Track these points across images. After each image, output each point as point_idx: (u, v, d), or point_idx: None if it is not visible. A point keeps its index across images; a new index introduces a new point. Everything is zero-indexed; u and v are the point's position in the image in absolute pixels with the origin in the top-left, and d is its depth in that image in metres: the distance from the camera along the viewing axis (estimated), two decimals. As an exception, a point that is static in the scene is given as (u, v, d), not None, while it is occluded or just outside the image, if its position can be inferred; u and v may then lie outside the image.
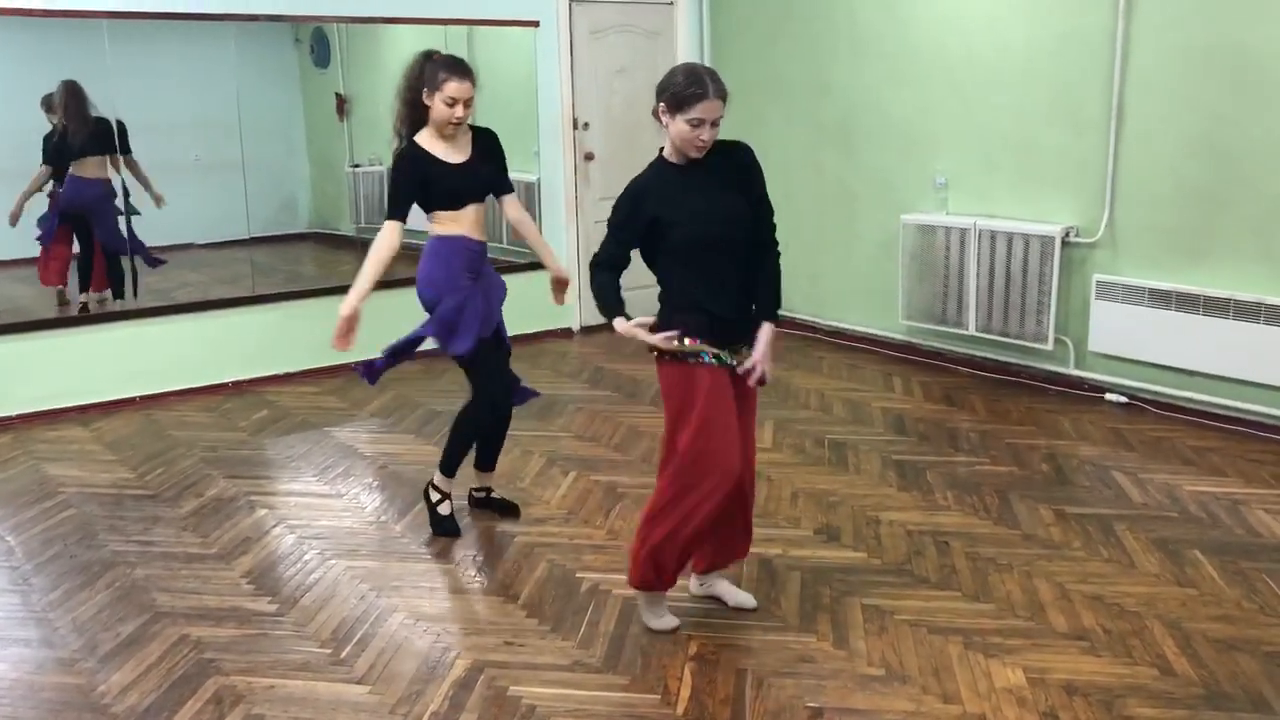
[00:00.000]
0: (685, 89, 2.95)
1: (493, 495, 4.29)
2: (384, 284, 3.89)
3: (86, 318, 5.75)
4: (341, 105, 6.69)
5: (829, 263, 6.90)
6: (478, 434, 4.08)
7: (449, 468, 4.06)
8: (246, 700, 2.96)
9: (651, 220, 3.05)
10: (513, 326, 7.08)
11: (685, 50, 7.43)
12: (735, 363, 3.11)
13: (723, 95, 2.97)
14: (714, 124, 2.98)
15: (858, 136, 6.58)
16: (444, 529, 4.08)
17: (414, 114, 3.83)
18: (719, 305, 3.07)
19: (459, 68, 3.76)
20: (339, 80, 6.61)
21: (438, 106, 3.75)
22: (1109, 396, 5.47)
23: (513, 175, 7.37)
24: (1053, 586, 3.52)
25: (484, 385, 3.96)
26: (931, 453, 4.83)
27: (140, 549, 3.96)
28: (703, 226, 3.03)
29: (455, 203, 3.83)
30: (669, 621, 3.31)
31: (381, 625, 3.37)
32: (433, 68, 3.77)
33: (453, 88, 3.73)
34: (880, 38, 6.34)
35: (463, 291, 3.84)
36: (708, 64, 7.49)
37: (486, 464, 4.23)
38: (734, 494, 3.11)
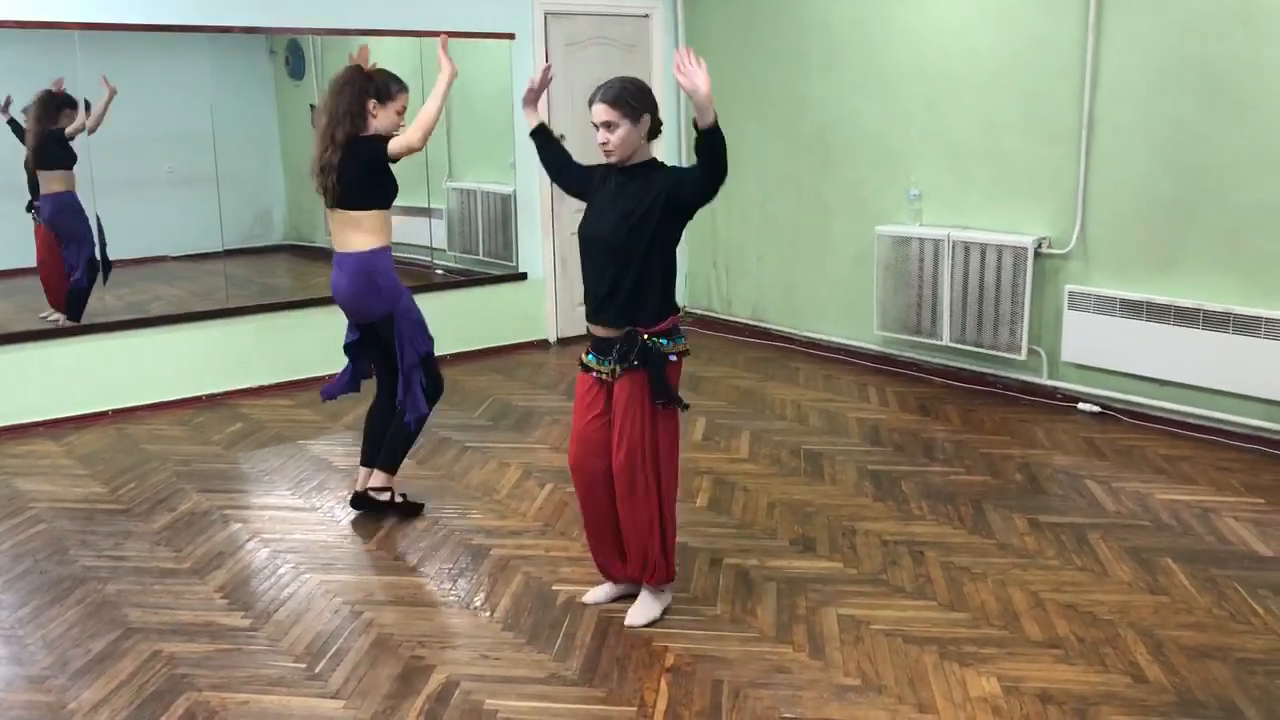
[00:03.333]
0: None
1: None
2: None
3: (57, 331, 5.69)
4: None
5: (805, 274, 6.94)
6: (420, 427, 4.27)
7: (396, 466, 4.30)
8: (220, 716, 2.93)
9: (583, 180, 3.47)
10: (489, 338, 7.17)
11: (661, 63, 7.46)
12: (605, 373, 3.31)
13: (610, 100, 3.18)
14: (606, 127, 3.20)
15: (833, 149, 6.62)
16: (414, 509, 4.29)
17: (355, 122, 3.95)
18: (594, 305, 3.31)
19: (403, 82, 4.06)
20: (314, 92, 6.59)
21: (390, 116, 4.02)
22: (1081, 406, 5.52)
23: (489, 187, 7.44)
24: (1027, 595, 3.55)
25: (436, 374, 4.24)
26: (907, 463, 4.86)
27: (112, 564, 3.92)
28: (593, 226, 3.31)
29: (392, 199, 4.06)
30: (589, 594, 3.59)
31: (356, 639, 3.35)
32: (383, 79, 4.00)
33: (404, 99, 4.04)
34: (854, 50, 6.39)
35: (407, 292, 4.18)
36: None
37: (376, 460, 4.36)
38: (585, 487, 3.38)
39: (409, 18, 6.44)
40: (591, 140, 3.35)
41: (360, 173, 3.93)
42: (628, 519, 3.33)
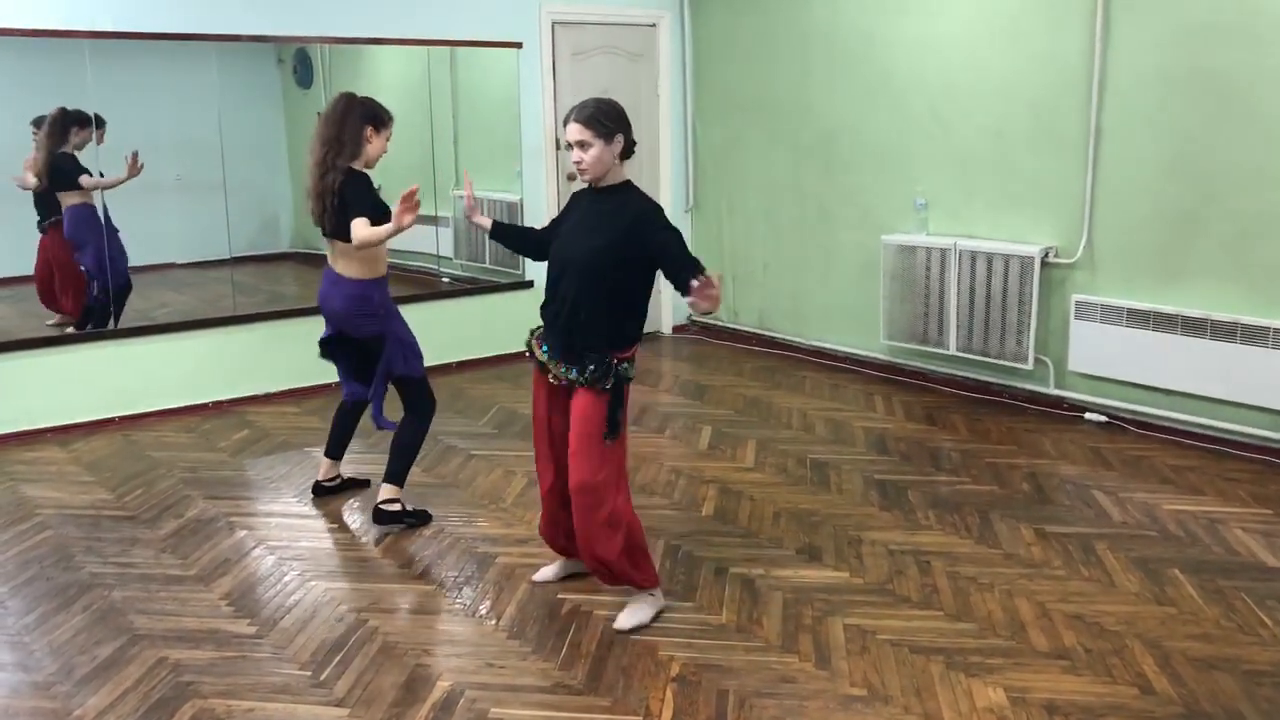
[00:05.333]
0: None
1: (343, 478, 4.71)
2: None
3: (65, 338, 5.71)
4: (324, 125, 6.69)
5: (810, 283, 6.93)
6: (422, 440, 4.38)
7: (403, 479, 4.32)
8: (225, 724, 2.93)
9: (557, 227, 3.53)
10: (488, 348, 7.20)
11: (667, 72, 7.47)
12: (553, 377, 3.38)
13: (584, 120, 3.25)
14: (580, 146, 3.26)
15: (838, 157, 6.63)
16: (421, 518, 4.34)
17: (351, 148, 4.04)
18: (551, 324, 3.38)
19: (390, 113, 4.17)
20: (322, 100, 6.61)
21: (381, 143, 4.13)
22: (1088, 416, 5.50)
23: (496, 195, 7.46)
24: (1033, 605, 3.54)
25: (429, 395, 4.33)
26: (913, 472, 4.85)
27: (118, 571, 3.92)
28: (561, 250, 3.39)
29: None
30: (538, 573, 3.80)
31: (362, 647, 3.35)
32: (377, 107, 4.11)
33: (392, 127, 4.16)
34: (859, 60, 6.40)
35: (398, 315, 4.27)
36: (689, 85, 7.54)
37: (341, 453, 4.62)
38: (543, 466, 3.54)
39: (417, 27, 6.46)
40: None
41: (353, 203, 3.97)
42: (585, 537, 3.36)
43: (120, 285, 5.89)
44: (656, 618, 3.47)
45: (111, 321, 5.84)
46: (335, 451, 4.59)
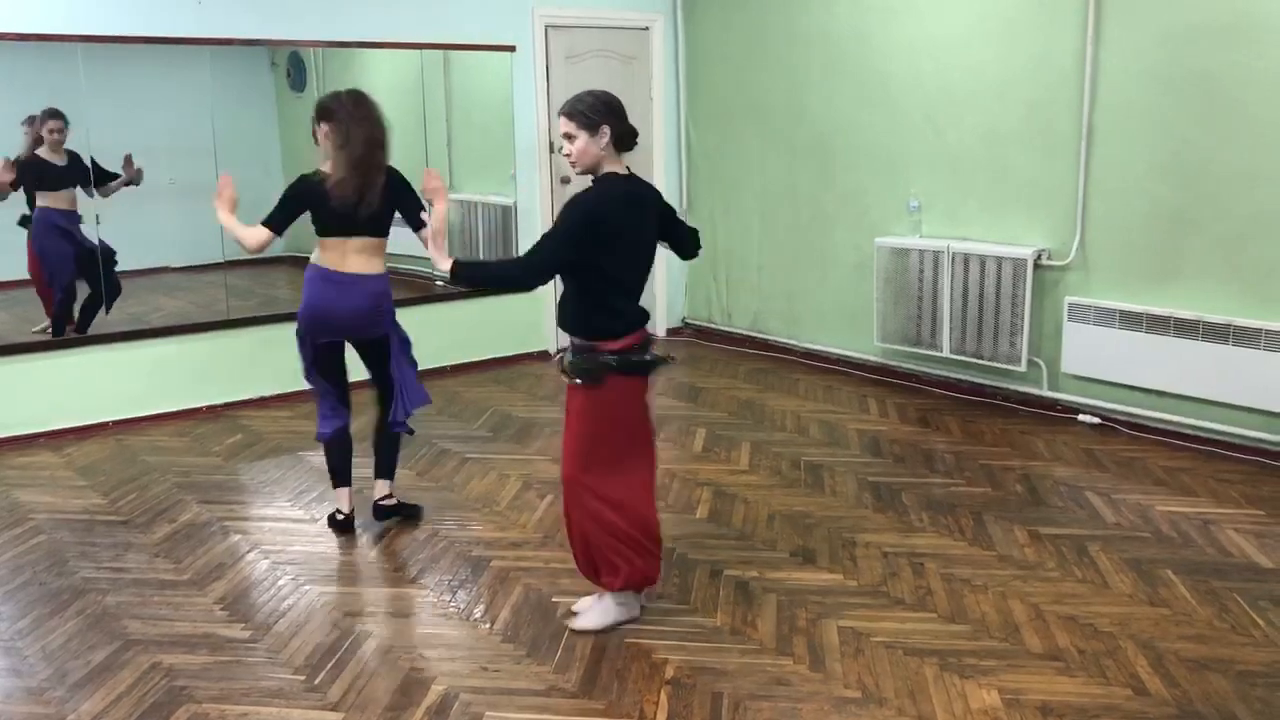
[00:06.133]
0: None
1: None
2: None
3: (58, 342, 5.69)
4: (317, 129, 6.68)
5: (805, 285, 6.94)
6: None
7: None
8: (219, 728, 2.93)
9: None
10: (489, 350, 7.18)
11: (661, 75, 7.48)
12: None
13: (567, 113, 3.26)
14: (567, 139, 3.28)
15: (832, 160, 6.63)
16: (414, 510, 4.44)
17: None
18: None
19: None
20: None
21: None
22: (1082, 417, 5.51)
23: (490, 199, 7.45)
24: (1027, 607, 3.54)
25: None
26: (907, 474, 4.85)
27: (111, 576, 3.92)
28: None
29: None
30: (578, 605, 3.62)
31: (355, 651, 3.34)
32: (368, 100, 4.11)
33: None
34: (854, 62, 6.41)
35: None
36: (683, 88, 7.55)
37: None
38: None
39: (411, 31, 6.47)
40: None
41: (397, 201, 4.09)
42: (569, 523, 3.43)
43: (68, 291, 5.84)
44: (619, 625, 3.43)
45: (52, 330, 5.80)
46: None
